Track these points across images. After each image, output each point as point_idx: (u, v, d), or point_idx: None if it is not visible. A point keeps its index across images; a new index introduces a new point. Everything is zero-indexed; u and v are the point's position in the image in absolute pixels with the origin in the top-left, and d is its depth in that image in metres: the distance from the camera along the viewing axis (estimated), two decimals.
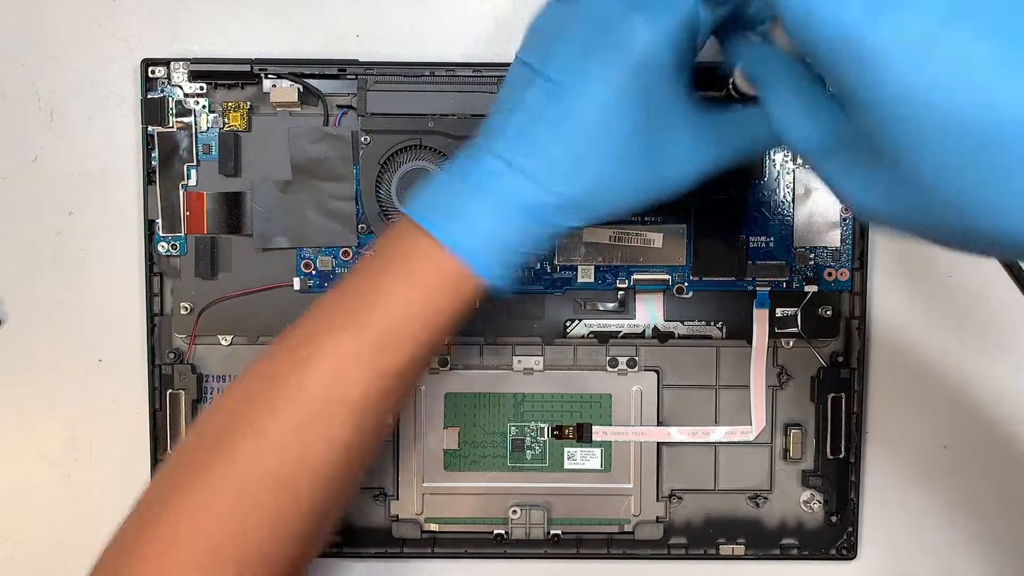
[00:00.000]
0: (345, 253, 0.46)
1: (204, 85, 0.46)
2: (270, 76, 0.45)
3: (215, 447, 0.35)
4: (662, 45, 0.32)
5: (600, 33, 0.33)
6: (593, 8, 0.33)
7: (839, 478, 0.47)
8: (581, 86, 0.33)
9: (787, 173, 0.46)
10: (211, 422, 0.36)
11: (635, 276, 0.47)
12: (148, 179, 0.46)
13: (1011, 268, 0.47)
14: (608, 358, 0.47)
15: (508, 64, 0.45)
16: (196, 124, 0.46)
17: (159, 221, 0.46)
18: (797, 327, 0.47)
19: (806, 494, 0.48)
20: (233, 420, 0.35)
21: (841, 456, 0.47)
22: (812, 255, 0.46)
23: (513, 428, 0.47)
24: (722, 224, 0.46)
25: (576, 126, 0.33)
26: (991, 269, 0.47)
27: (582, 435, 0.47)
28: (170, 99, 0.46)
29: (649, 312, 0.47)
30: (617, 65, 0.32)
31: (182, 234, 0.46)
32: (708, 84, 0.37)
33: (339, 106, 0.46)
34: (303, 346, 0.35)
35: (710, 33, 0.34)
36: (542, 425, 0.47)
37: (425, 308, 0.35)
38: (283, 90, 0.45)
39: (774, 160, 0.46)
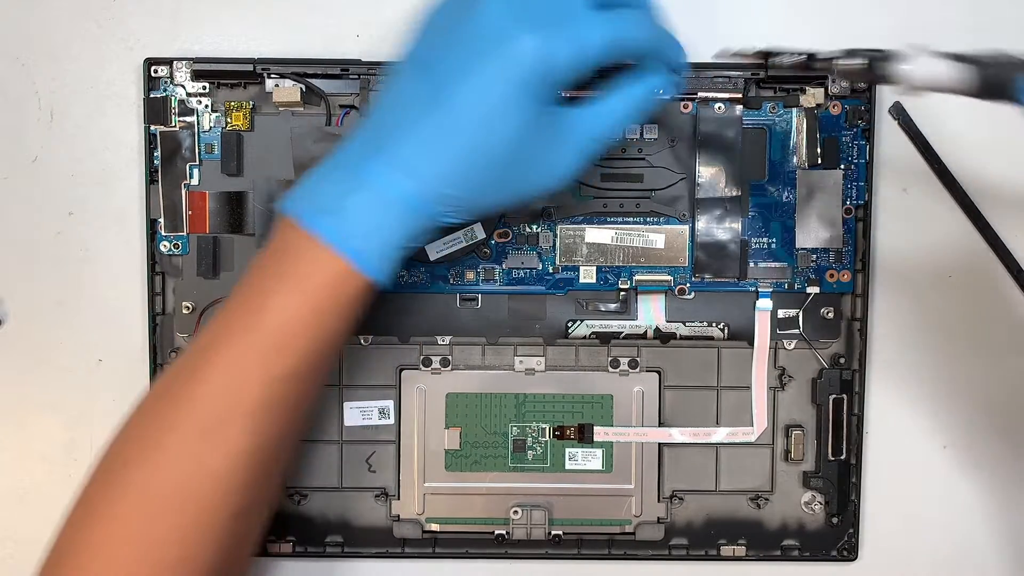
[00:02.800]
0: None
1: (207, 85, 0.45)
2: (273, 76, 0.45)
3: (122, 468, 0.35)
4: (548, 64, 0.34)
5: (490, 44, 0.34)
6: (485, 18, 0.34)
7: (840, 479, 0.47)
8: (467, 92, 0.34)
9: (789, 174, 0.46)
10: (118, 443, 0.37)
11: (637, 277, 0.47)
12: (150, 178, 0.46)
13: (1011, 268, 0.47)
14: (610, 359, 0.47)
15: None
16: (199, 123, 0.46)
17: (161, 220, 0.46)
18: (799, 328, 0.47)
19: (807, 495, 0.48)
20: (135, 440, 0.36)
21: (842, 457, 0.47)
22: (814, 256, 0.46)
23: (514, 428, 0.47)
24: (724, 224, 0.46)
25: (460, 129, 0.34)
26: (991, 269, 0.48)
27: (583, 436, 0.47)
28: (172, 98, 0.46)
29: (651, 313, 0.47)
30: (503, 78, 0.34)
31: (184, 233, 0.46)
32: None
33: (341, 106, 0.46)
34: (195, 360, 0.36)
35: (599, 59, 0.35)
36: (543, 425, 0.47)
37: (312, 309, 0.35)
38: (286, 90, 0.45)
39: (776, 161, 0.46)
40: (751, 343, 0.47)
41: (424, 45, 0.36)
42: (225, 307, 0.37)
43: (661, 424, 0.47)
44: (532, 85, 0.34)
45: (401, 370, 0.47)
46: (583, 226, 0.46)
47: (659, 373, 0.47)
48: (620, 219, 0.46)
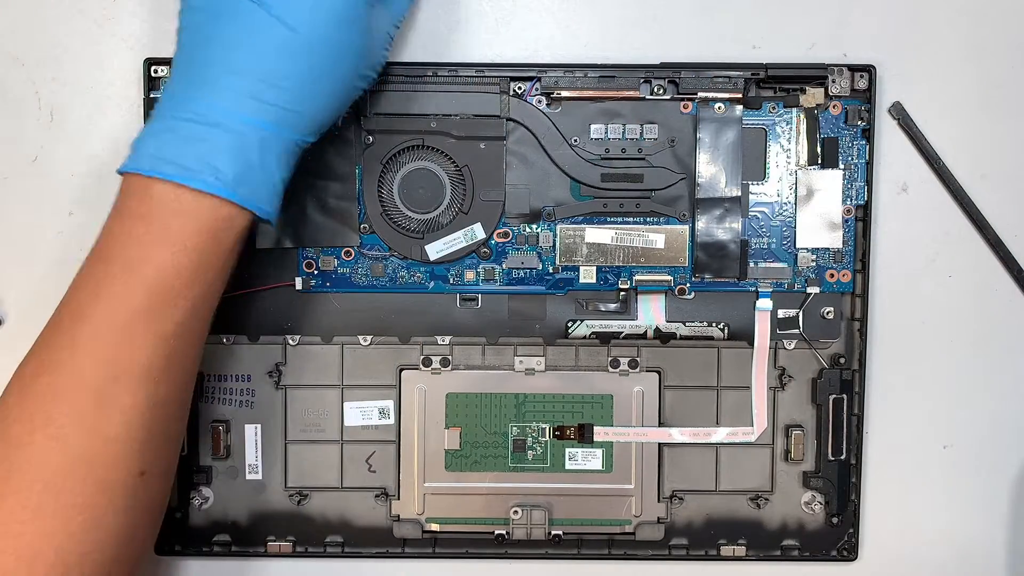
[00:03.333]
0: (347, 253, 0.46)
1: None
2: None
3: (15, 449, 0.35)
4: None
5: None
6: None
7: (840, 479, 0.47)
8: (301, 11, 0.35)
9: (789, 174, 0.46)
10: (2, 424, 0.35)
11: (637, 277, 0.47)
12: None
13: (1011, 268, 0.47)
14: (610, 359, 0.47)
15: (509, 64, 0.45)
16: None
17: None
18: (799, 328, 0.47)
19: (807, 495, 0.48)
20: (22, 419, 0.35)
21: (842, 457, 0.47)
22: (814, 256, 0.46)
23: (514, 428, 0.47)
24: (724, 224, 0.46)
25: (304, 49, 0.35)
26: (991, 269, 0.48)
27: (583, 435, 0.47)
28: None
29: (650, 313, 0.47)
30: None
31: None
32: None
33: None
34: (71, 327, 0.35)
35: None
36: (543, 425, 0.47)
37: (192, 260, 0.35)
38: None
39: (776, 161, 0.46)
40: (751, 343, 0.47)
41: None
42: (88, 272, 0.36)
43: (661, 424, 0.47)
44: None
45: (401, 370, 0.47)
46: (583, 226, 0.46)
47: (659, 373, 0.47)
48: (620, 219, 0.46)
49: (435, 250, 0.46)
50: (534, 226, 0.46)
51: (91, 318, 0.35)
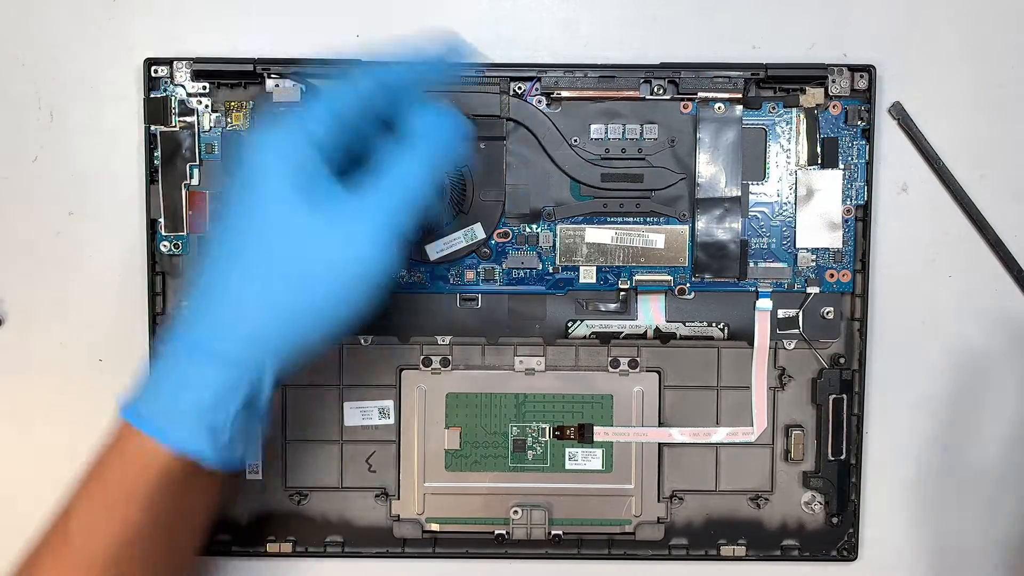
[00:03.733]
0: None
1: (207, 85, 0.45)
2: (273, 76, 0.45)
3: None
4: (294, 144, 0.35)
5: (244, 179, 0.35)
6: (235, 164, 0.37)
7: (840, 479, 0.47)
8: (238, 217, 0.35)
9: (789, 175, 0.46)
10: None
11: (637, 277, 0.47)
12: (150, 178, 0.46)
13: (1011, 268, 0.47)
14: (610, 359, 0.47)
15: (509, 64, 0.45)
16: (199, 123, 0.46)
17: (161, 220, 0.46)
18: (799, 328, 0.47)
19: (807, 495, 0.48)
20: None
21: (842, 457, 0.47)
22: (814, 256, 0.46)
23: (514, 428, 0.47)
24: (724, 224, 0.46)
25: (254, 268, 0.35)
26: (991, 269, 0.48)
27: (583, 435, 0.47)
28: (172, 98, 0.46)
29: (650, 313, 0.47)
30: (255, 183, 0.35)
31: (184, 233, 0.46)
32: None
33: None
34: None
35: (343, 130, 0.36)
36: (543, 425, 0.47)
37: (113, 497, 0.36)
38: (286, 90, 0.45)
39: (776, 161, 0.46)
40: (751, 343, 0.47)
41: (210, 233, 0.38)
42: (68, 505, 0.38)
43: (661, 424, 0.47)
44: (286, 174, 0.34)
45: (401, 370, 0.47)
46: (583, 226, 0.46)
47: (659, 373, 0.47)
48: (620, 219, 0.46)
49: (435, 250, 0.46)
50: (534, 226, 0.46)
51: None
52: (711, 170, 0.46)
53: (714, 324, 0.47)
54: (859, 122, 0.46)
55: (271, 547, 0.48)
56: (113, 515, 0.36)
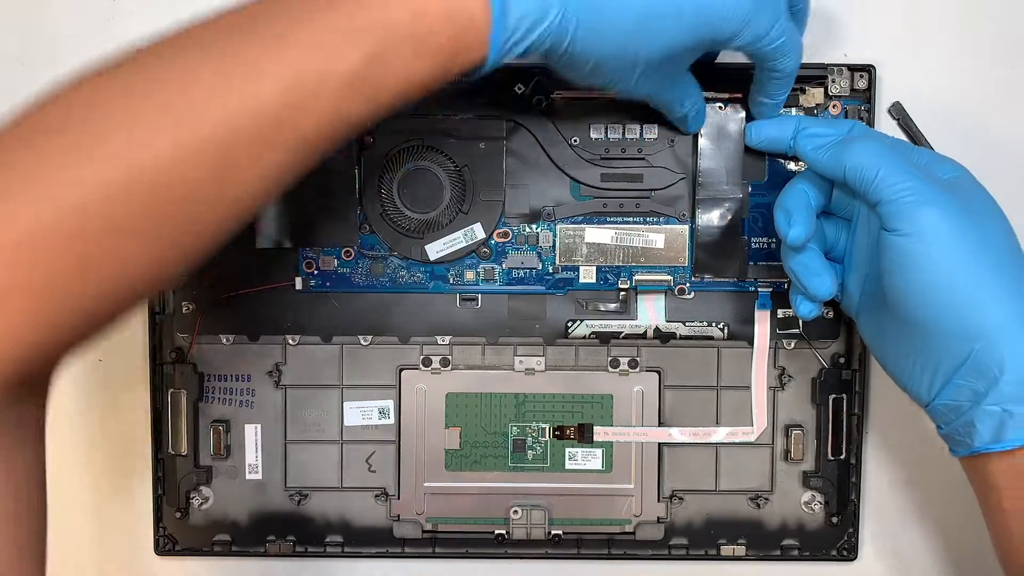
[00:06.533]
0: (347, 253, 0.46)
1: None
2: None
3: (104, 121, 0.29)
4: None
5: None
6: None
7: (840, 479, 0.47)
8: None
9: (789, 174, 0.46)
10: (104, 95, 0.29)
11: (637, 276, 0.47)
12: None
13: None
14: (609, 358, 0.47)
15: (509, 64, 0.45)
16: None
17: None
18: (799, 328, 0.47)
19: (807, 495, 0.48)
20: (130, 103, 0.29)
21: (842, 457, 0.47)
22: None
23: (514, 428, 0.47)
24: (724, 224, 0.46)
25: None
26: None
27: (583, 435, 0.47)
28: None
29: (650, 313, 0.47)
30: None
31: None
32: None
33: None
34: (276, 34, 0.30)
35: None
36: (543, 425, 0.47)
37: (426, 77, 0.32)
38: None
39: (776, 162, 0.46)
40: (751, 343, 0.47)
41: None
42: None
43: (661, 424, 0.47)
44: None
45: (401, 370, 0.47)
46: (583, 226, 0.46)
47: (659, 373, 0.47)
48: (620, 219, 0.46)
49: (435, 250, 0.46)
50: (534, 226, 0.46)
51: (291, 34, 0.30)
52: (711, 170, 0.46)
53: (714, 324, 0.47)
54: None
55: (271, 547, 0.48)
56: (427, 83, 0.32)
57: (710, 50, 0.38)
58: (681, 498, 0.48)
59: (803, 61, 0.45)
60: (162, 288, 0.32)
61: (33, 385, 0.31)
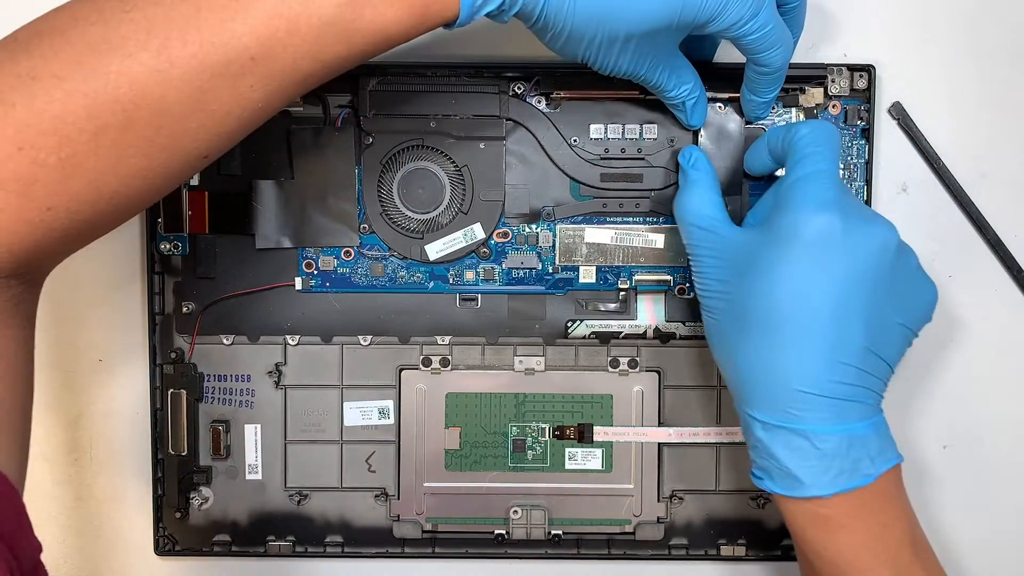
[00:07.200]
0: (347, 253, 0.46)
1: None
2: None
3: (102, 41, 0.32)
4: None
5: None
6: None
7: None
8: None
9: None
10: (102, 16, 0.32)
11: (636, 277, 0.47)
12: None
13: (1011, 268, 0.47)
14: (609, 359, 0.47)
15: (509, 64, 0.45)
16: None
17: (161, 220, 0.46)
18: None
19: None
20: (130, 30, 0.32)
21: None
22: None
23: (514, 428, 0.47)
24: None
25: None
26: (991, 269, 0.48)
27: (583, 435, 0.47)
28: None
29: (650, 313, 0.47)
30: None
31: (184, 233, 0.46)
32: None
33: (340, 106, 0.46)
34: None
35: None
36: (543, 425, 0.47)
37: (408, 23, 0.34)
38: None
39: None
40: None
41: None
42: None
43: (661, 424, 0.47)
44: None
45: (401, 370, 0.47)
46: (583, 226, 0.46)
47: (659, 373, 0.47)
48: (620, 219, 0.46)
49: (435, 250, 0.46)
50: (534, 226, 0.46)
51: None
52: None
53: None
54: (859, 122, 0.46)
55: (271, 547, 0.48)
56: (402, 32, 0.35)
57: (692, 31, 0.38)
58: (681, 498, 0.48)
59: (803, 61, 0.46)
60: (142, 205, 0.35)
61: (23, 276, 0.34)
